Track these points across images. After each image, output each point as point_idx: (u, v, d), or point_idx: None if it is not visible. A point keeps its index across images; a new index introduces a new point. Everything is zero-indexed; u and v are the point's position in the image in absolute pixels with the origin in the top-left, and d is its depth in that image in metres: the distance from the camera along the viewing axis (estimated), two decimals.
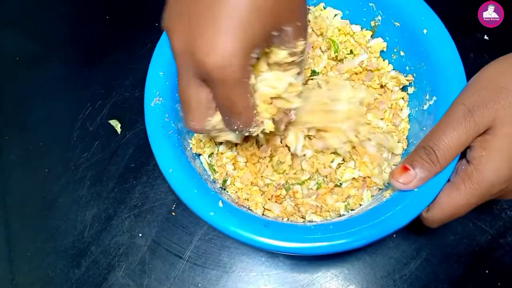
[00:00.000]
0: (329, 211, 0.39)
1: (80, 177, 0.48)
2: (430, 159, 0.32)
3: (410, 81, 0.41)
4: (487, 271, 0.43)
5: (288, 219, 0.39)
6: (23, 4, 0.57)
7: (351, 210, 0.39)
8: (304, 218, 0.39)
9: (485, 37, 0.50)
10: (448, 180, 0.33)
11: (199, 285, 0.43)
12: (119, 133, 0.49)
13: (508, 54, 0.33)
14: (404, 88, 0.43)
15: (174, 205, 0.46)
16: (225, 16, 0.25)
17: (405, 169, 0.32)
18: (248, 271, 0.43)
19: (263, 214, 0.39)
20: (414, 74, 0.41)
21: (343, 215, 0.39)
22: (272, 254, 0.44)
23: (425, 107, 0.39)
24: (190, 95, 0.28)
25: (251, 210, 0.39)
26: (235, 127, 0.29)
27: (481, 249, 0.43)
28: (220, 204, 0.34)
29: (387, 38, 0.42)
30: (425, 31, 0.38)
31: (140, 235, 0.45)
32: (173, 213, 0.46)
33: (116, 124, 0.50)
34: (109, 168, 0.48)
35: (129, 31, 0.54)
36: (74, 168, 0.48)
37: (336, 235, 0.32)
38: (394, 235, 0.44)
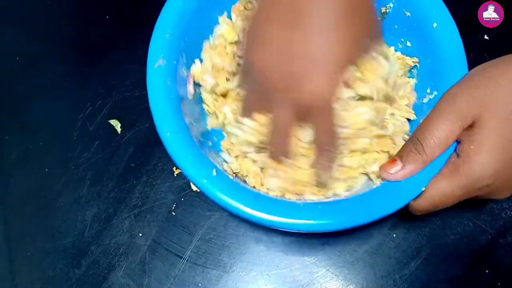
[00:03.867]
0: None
1: (80, 176, 0.48)
2: (417, 150, 0.32)
3: (416, 63, 0.41)
4: (487, 271, 0.43)
5: (283, 195, 0.39)
6: (23, 4, 0.57)
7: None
8: (301, 195, 0.39)
9: (485, 36, 0.50)
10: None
11: (199, 284, 0.43)
12: (119, 133, 0.49)
13: (504, 55, 0.34)
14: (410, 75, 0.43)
15: (174, 205, 0.46)
16: (323, 56, 0.30)
17: (394, 160, 0.33)
18: (248, 271, 0.43)
19: (254, 187, 0.39)
20: (418, 62, 0.41)
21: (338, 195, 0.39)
22: (273, 253, 0.44)
23: (425, 100, 0.39)
24: (279, 123, 0.33)
25: (245, 182, 0.39)
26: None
27: (481, 249, 0.43)
28: (214, 173, 0.34)
29: (396, 27, 0.42)
30: (435, 24, 0.38)
31: (140, 234, 0.45)
32: (173, 213, 0.46)
33: (116, 124, 0.50)
34: (109, 168, 0.48)
35: (129, 30, 0.54)
36: (74, 168, 0.48)
37: (321, 214, 0.33)
38: (394, 235, 0.44)
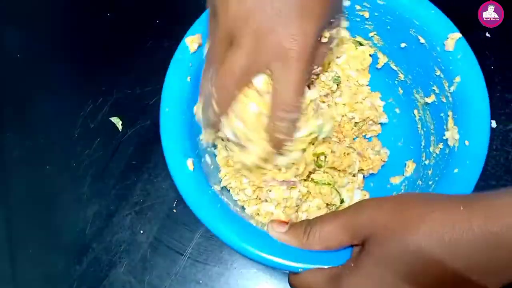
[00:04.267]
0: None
1: (82, 174, 0.48)
2: (304, 231, 0.32)
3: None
4: None
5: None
6: (25, 2, 0.57)
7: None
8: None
9: (487, 34, 0.50)
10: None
11: (200, 281, 0.43)
12: (120, 130, 0.49)
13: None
14: None
15: (175, 202, 0.46)
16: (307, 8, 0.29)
17: (284, 223, 0.33)
18: (249, 268, 0.44)
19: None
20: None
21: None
22: None
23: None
24: (232, 64, 0.31)
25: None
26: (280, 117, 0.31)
27: None
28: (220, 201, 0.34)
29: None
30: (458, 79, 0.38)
31: (142, 232, 0.45)
32: (174, 210, 0.46)
33: (117, 122, 0.50)
34: (110, 165, 0.48)
35: (130, 28, 0.54)
36: (75, 165, 0.48)
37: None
38: None
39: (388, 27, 0.41)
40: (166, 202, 0.46)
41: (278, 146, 0.34)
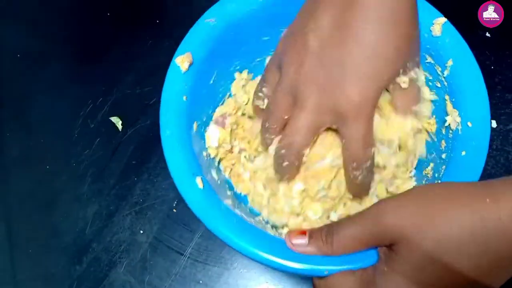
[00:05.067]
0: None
1: (81, 174, 0.48)
2: (326, 240, 0.31)
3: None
4: None
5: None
6: (24, 1, 0.57)
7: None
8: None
9: (487, 34, 0.50)
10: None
11: (200, 281, 0.43)
12: (120, 130, 0.49)
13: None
14: None
15: (175, 202, 0.46)
16: (365, 62, 0.31)
17: (302, 233, 0.32)
18: (249, 268, 0.44)
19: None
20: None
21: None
22: None
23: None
24: (303, 124, 0.33)
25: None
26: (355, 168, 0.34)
27: None
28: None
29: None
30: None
31: (141, 232, 0.45)
32: (174, 210, 0.46)
33: (117, 121, 0.50)
34: (110, 165, 0.48)
35: (130, 28, 0.54)
36: (75, 165, 0.48)
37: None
38: None
39: None
40: (166, 202, 0.46)
41: (359, 195, 0.37)
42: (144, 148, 0.49)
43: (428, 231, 0.27)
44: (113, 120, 0.50)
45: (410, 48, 0.33)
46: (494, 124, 0.48)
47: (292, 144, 0.34)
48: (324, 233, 0.31)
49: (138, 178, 0.47)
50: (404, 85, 0.33)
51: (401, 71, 0.32)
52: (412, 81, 0.34)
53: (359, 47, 0.31)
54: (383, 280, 0.29)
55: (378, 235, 0.29)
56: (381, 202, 0.30)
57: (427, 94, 0.37)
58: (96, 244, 0.45)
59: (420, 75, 0.35)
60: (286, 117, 0.35)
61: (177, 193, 0.46)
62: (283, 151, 0.35)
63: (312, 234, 0.32)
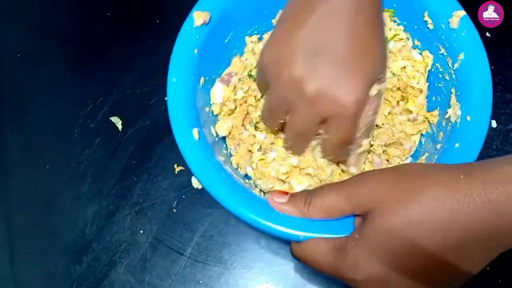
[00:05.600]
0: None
1: (81, 174, 0.48)
2: (305, 200, 0.32)
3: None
4: (488, 268, 0.43)
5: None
6: (25, 2, 0.57)
7: None
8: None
9: (487, 34, 0.50)
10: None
11: (200, 281, 0.43)
12: (120, 130, 0.49)
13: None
14: None
15: (175, 202, 0.46)
16: (358, 64, 0.33)
17: (284, 193, 0.34)
18: (249, 268, 0.44)
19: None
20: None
21: None
22: (274, 250, 0.44)
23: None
24: (302, 122, 0.35)
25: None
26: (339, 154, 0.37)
27: None
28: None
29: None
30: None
31: (141, 232, 0.45)
32: (174, 210, 0.46)
33: (117, 121, 0.50)
34: (110, 165, 0.48)
35: (130, 28, 0.54)
36: (75, 165, 0.48)
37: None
38: None
39: (395, 5, 0.42)
40: (166, 202, 0.46)
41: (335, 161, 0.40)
42: (144, 148, 0.49)
43: (400, 206, 0.28)
44: (113, 120, 0.50)
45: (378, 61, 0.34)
46: (494, 124, 0.48)
47: (293, 144, 0.38)
48: (305, 195, 0.33)
49: (138, 178, 0.47)
50: (374, 93, 0.34)
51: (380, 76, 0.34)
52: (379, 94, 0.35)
53: (349, 44, 0.32)
54: (352, 247, 0.30)
55: (355, 202, 0.30)
56: (363, 173, 0.32)
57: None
58: (96, 244, 0.45)
59: (383, 91, 0.36)
60: (282, 121, 0.36)
61: (177, 193, 0.47)
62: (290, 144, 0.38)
63: (293, 195, 0.33)
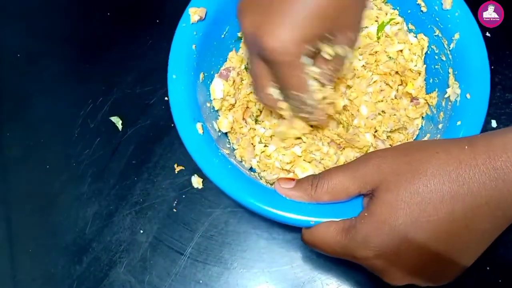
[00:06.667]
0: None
1: (81, 173, 0.48)
2: (311, 184, 0.32)
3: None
4: (488, 268, 0.43)
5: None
6: (25, 2, 0.57)
7: None
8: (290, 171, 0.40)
9: (487, 34, 0.50)
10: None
11: (200, 281, 0.43)
12: (120, 130, 0.49)
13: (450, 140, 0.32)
14: None
15: (175, 202, 0.46)
16: (290, 13, 0.31)
17: (291, 179, 0.34)
18: (249, 268, 0.44)
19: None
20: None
21: None
22: (274, 250, 0.44)
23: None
24: (254, 70, 0.34)
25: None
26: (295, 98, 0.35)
27: None
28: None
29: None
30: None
31: (141, 231, 0.45)
32: (174, 210, 0.46)
33: (117, 121, 0.50)
34: (110, 165, 0.48)
35: (130, 27, 0.54)
36: (75, 165, 0.48)
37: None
38: None
39: None
40: (166, 202, 0.46)
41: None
42: (144, 148, 0.48)
43: (406, 179, 0.28)
44: (113, 120, 0.50)
45: (339, 16, 0.32)
46: (494, 124, 0.48)
47: (260, 96, 0.37)
48: (311, 178, 0.33)
49: (138, 178, 0.47)
50: (327, 57, 0.33)
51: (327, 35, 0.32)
52: (338, 56, 0.34)
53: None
54: (362, 224, 0.30)
55: (361, 180, 0.30)
56: (368, 152, 0.32)
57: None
58: (96, 244, 0.45)
59: (349, 54, 0.35)
60: (269, 92, 0.36)
61: (177, 193, 0.47)
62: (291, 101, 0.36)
63: (300, 180, 0.34)
